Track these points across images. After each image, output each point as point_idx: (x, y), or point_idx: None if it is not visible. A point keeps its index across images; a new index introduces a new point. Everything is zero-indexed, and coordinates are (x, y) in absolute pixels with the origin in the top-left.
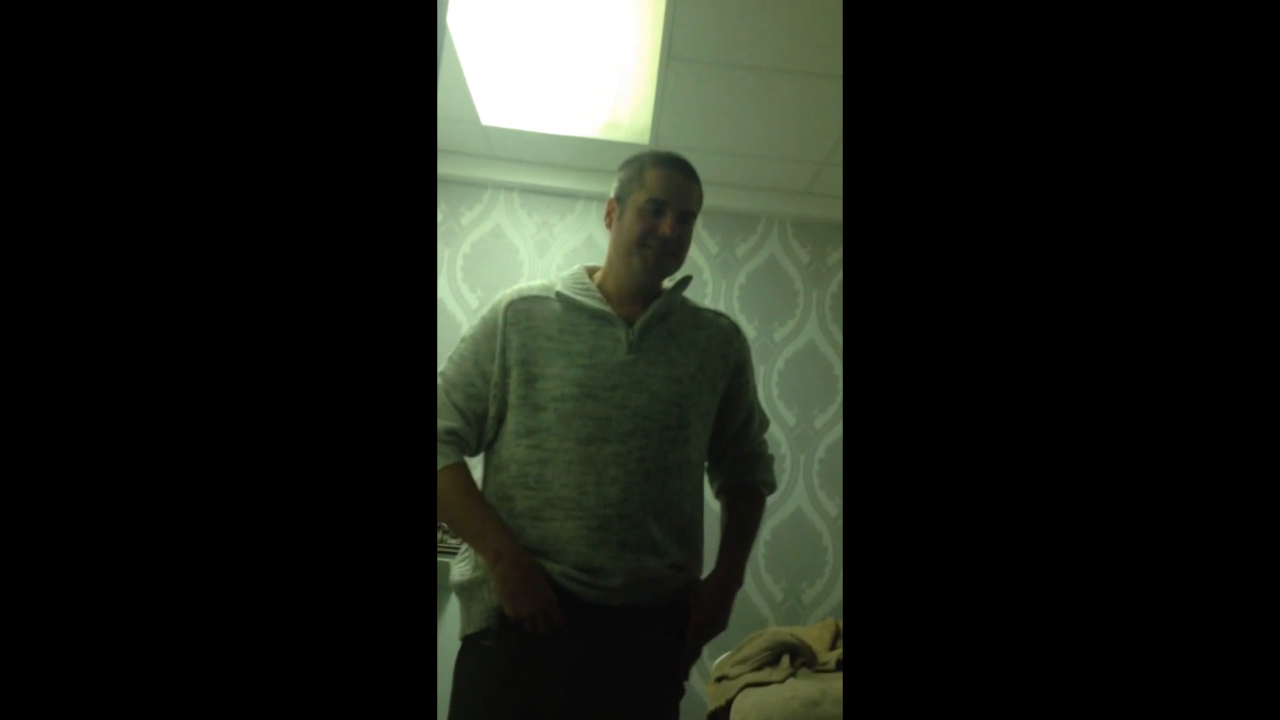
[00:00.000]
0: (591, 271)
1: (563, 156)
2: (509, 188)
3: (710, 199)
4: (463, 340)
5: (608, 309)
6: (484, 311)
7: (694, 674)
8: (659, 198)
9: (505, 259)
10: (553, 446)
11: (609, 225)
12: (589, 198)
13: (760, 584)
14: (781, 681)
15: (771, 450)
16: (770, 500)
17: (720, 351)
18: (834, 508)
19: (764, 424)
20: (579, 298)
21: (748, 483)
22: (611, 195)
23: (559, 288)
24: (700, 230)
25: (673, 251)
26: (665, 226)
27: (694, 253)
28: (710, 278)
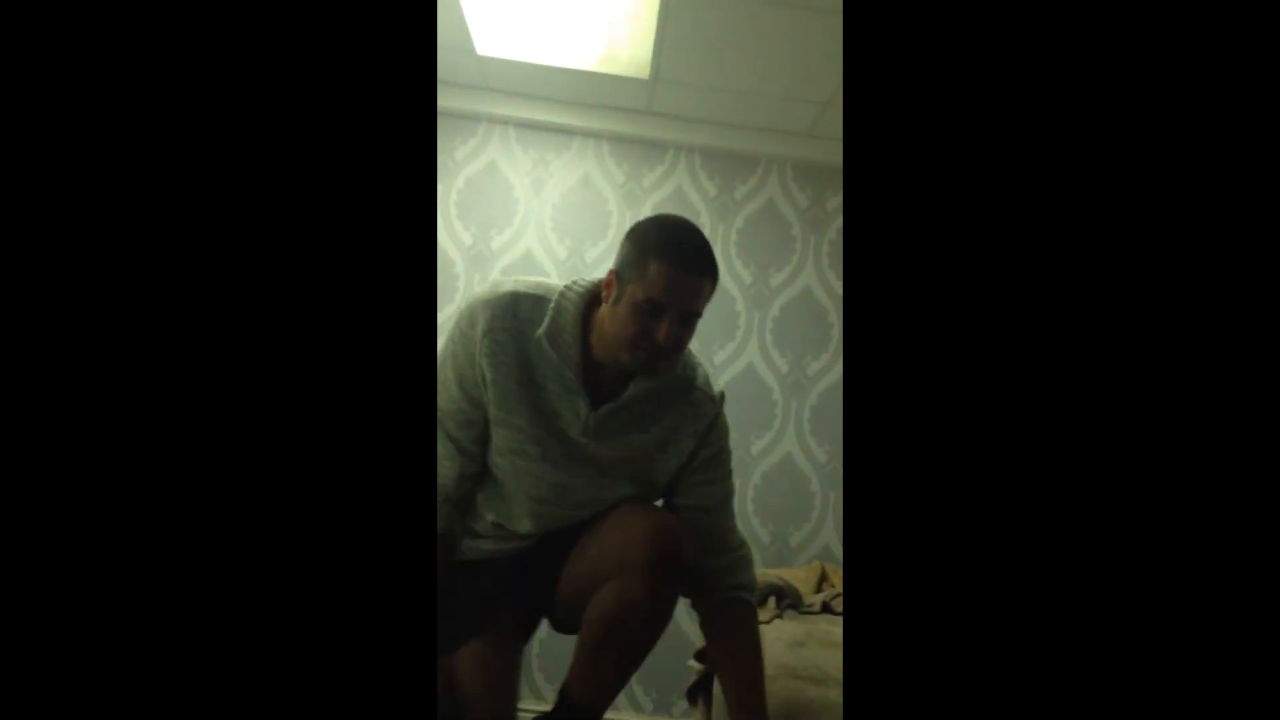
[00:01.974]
0: (592, 303)
1: (560, 90)
2: (504, 121)
3: (710, 139)
4: (442, 363)
5: (576, 383)
6: (461, 323)
7: (681, 614)
8: (659, 300)
9: (500, 195)
10: (508, 493)
11: (606, 298)
12: (585, 134)
13: (748, 527)
14: (768, 622)
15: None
16: (760, 446)
17: (691, 427)
18: (823, 454)
19: (734, 534)
20: (555, 356)
21: (735, 598)
22: (614, 266)
23: (544, 330)
24: (699, 171)
25: (667, 355)
26: (661, 333)
27: (692, 195)
28: (708, 220)
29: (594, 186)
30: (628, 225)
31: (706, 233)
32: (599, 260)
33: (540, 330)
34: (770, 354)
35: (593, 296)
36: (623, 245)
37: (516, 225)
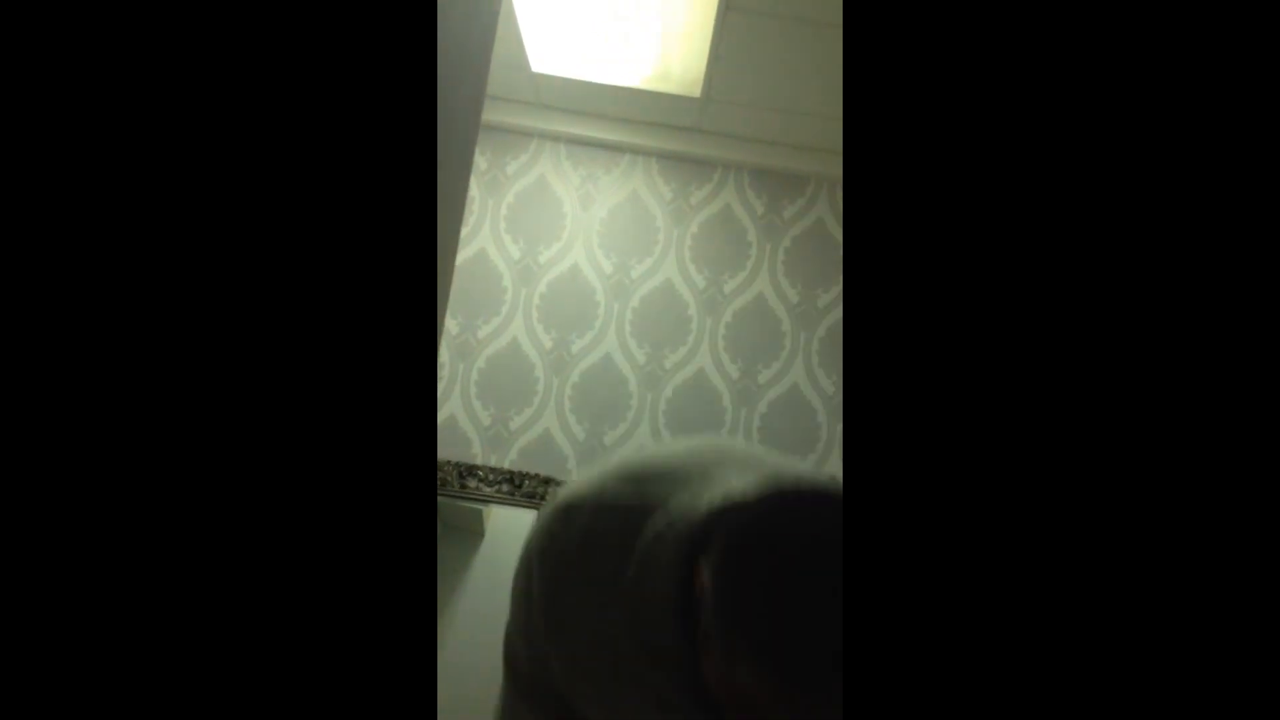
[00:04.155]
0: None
1: (611, 107)
2: (555, 138)
3: (759, 158)
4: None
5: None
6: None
7: None
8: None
9: (549, 211)
10: None
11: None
12: (635, 151)
13: None
14: None
15: None
16: (804, 467)
17: None
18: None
19: None
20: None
21: None
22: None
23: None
24: (747, 189)
25: None
26: None
27: (740, 213)
28: (755, 239)
29: (642, 203)
30: (674, 241)
31: (753, 251)
32: (645, 276)
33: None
34: (816, 374)
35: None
36: (720, 570)
37: (564, 240)
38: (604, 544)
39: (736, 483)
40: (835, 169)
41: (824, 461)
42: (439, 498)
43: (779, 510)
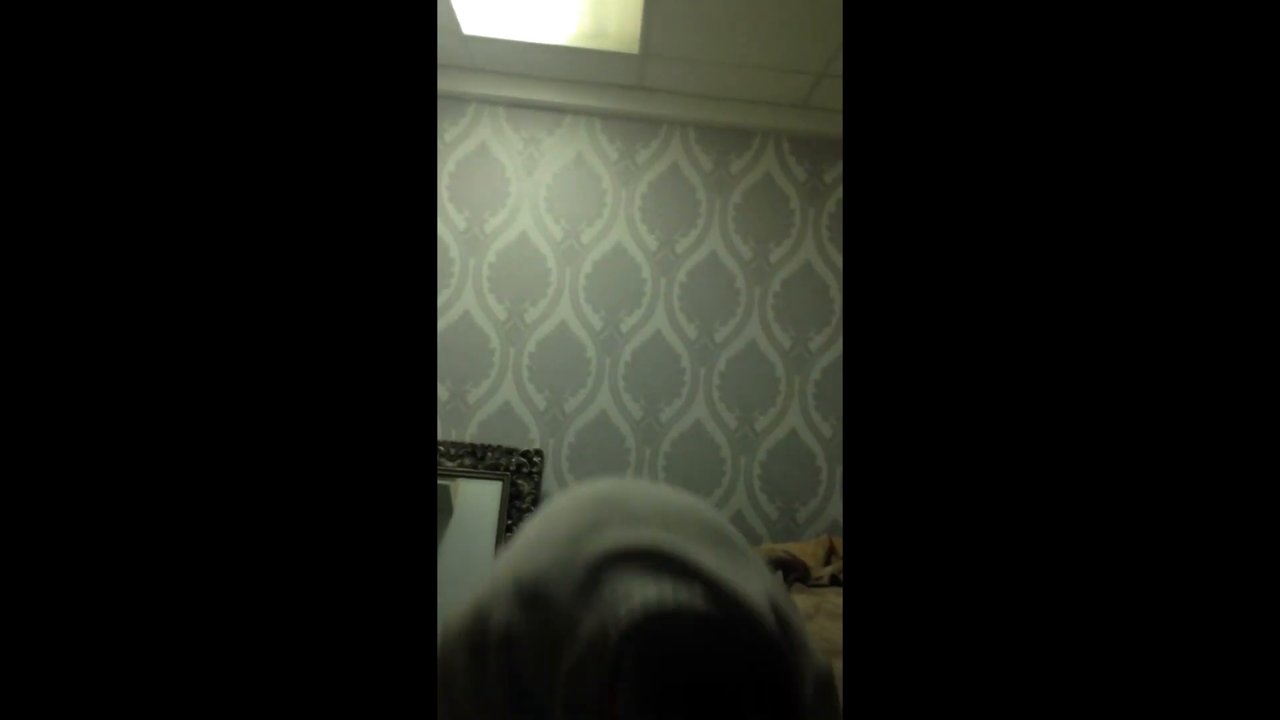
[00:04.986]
0: None
1: (548, 67)
2: (494, 102)
3: (704, 113)
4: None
5: None
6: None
7: None
8: None
9: (492, 177)
10: None
11: None
12: (577, 112)
13: (756, 503)
14: None
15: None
16: (765, 421)
17: None
18: (828, 429)
19: None
20: None
21: None
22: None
23: None
24: (694, 145)
25: None
26: None
27: (687, 170)
28: (704, 196)
29: (587, 165)
30: (623, 203)
31: (703, 208)
32: (595, 239)
33: None
34: (772, 330)
35: None
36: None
37: (510, 206)
38: (521, 686)
39: (631, 586)
40: (780, 122)
41: (783, 415)
42: None
43: (676, 632)
